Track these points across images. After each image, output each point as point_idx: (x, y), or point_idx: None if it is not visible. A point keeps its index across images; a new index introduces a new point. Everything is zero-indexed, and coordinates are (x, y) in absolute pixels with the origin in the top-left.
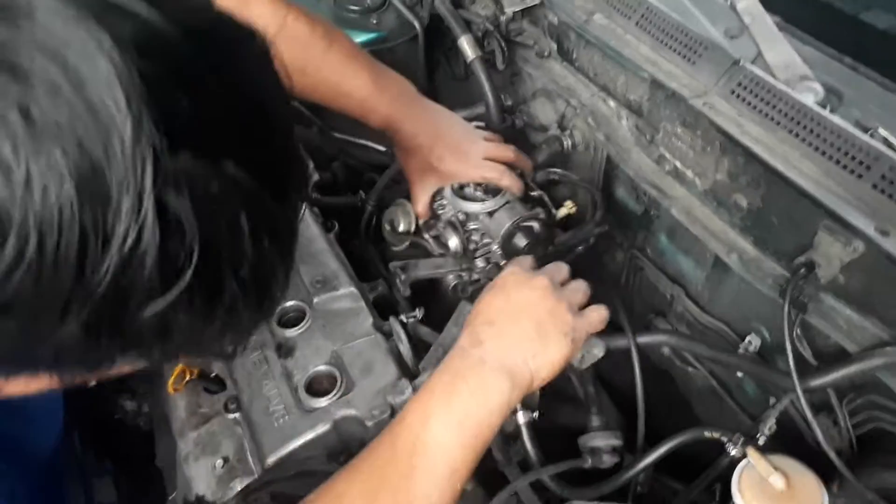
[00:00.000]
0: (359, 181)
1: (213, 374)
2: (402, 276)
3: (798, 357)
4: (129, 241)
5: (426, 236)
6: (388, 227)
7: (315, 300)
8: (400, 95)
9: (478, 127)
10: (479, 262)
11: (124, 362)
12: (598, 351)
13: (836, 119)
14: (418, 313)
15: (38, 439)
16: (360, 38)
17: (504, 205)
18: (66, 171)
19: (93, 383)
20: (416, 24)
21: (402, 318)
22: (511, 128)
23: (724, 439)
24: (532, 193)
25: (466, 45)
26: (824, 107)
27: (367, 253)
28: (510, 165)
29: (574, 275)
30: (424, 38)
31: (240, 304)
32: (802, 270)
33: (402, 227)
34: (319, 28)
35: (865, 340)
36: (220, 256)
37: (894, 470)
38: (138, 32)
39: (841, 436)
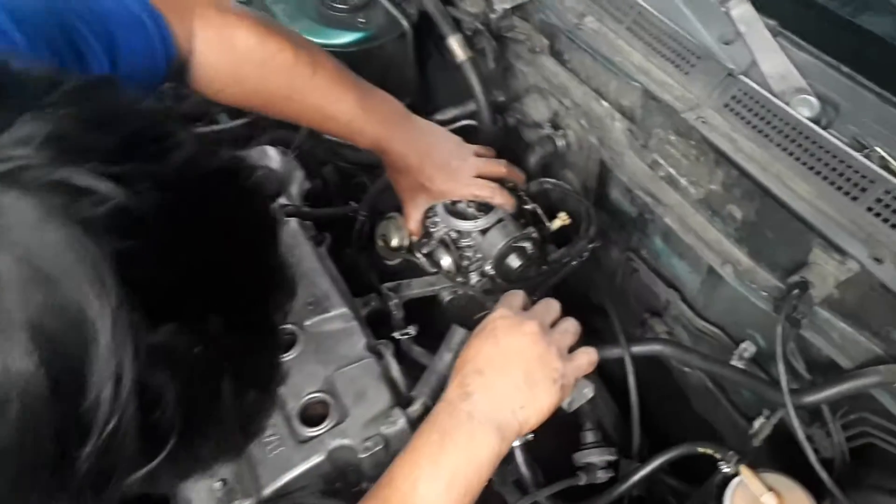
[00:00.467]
0: (350, 185)
1: None
2: (395, 299)
3: (791, 369)
4: (110, 427)
5: (418, 254)
6: (380, 243)
7: (307, 323)
8: (388, 116)
9: (470, 127)
10: (474, 276)
11: None
12: (588, 391)
13: (831, 137)
14: (412, 331)
15: None
16: (347, 37)
17: (497, 223)
18: (39, 371)
19: None
20: (405, 22)
21: (396, 335)
22: (504, 126)
23: (718, 456)
24: (525, 207)
25: (456, 46)
26: (820, 121)
27: (360, 264)
28: (502, 180)
29: (567, 285)
30: (413, 36)
31: (223, 446)
32: (796, 291)
33: (394, 243)
34: (304, 55)
35: (859, 355)
36: (204, 415)
37: (885, 491)
38: (110, 215)
39: (834, 447)
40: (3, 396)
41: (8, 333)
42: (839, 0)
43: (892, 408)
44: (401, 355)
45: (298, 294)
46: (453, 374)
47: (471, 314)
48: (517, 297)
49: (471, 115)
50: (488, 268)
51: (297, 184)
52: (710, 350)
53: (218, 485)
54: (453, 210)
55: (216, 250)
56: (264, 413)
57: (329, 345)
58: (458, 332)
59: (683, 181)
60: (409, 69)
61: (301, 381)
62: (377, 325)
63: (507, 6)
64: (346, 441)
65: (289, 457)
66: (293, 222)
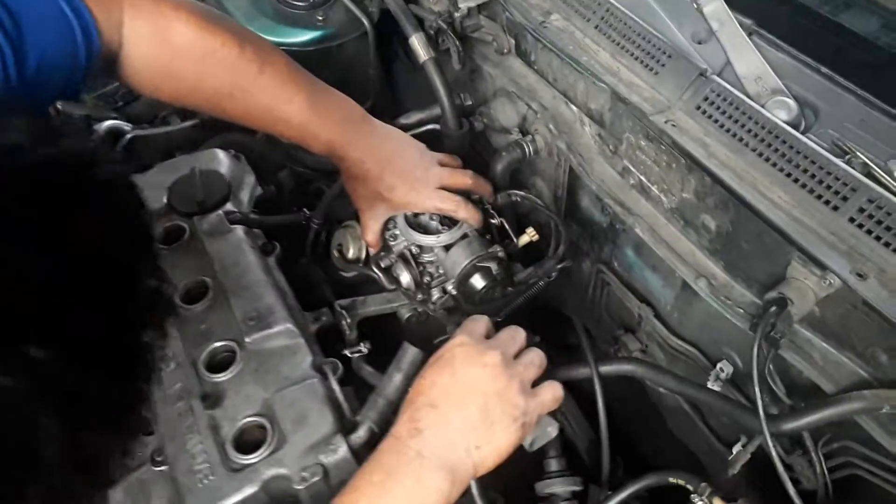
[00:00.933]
0: (308, 191)
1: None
2: (348, 319)
3: (770, 392)
4: None
5: (376, 269)
6: (336, 253)
7: (247, 339)
8: (344, 119)
9: (435, 132)
10: (435, 293)
11: None
12: (552, 430)
13: (810, 142)
14: (364, 348)
15: None
16: (306, 35)
17: (461, 238)
18: None
19: None
20: (365, 21)
21: (347, 352)
22: (470, 131)
23: (690, 487)
24: (492, 221)
25: (418, 46)
26: (798, 125)
27: (314, 275)
28: (467, 192)
29: (539, 298)
30: (375, 35)
31: (56, 495)
32: (774, 308)
33: (351, 254)
34: (250, 51)
35: (843, 379)
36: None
37: None
38: None
39: (816, 478)
40: None
41: None
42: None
43: (877, 436)
44: (351, 375)
45: (240, 307)
46: (404, 406)
47: (431, 334)
48: (480, 323)
49: (436, 120)
50: (450, 287)
51: (248, 189)
52: (686, 370)
53: None
54: (415, 223)
55: (42, 261)
56: (113, 456)
57: (271, 363)
58: (408, 352)
59: (655, 189)
60: (370, 70)
61: (238, 404)
62: (330, 342)
63: (472, 4)
64: (282, 470)
65: (219, 487)
66: (239, 230)
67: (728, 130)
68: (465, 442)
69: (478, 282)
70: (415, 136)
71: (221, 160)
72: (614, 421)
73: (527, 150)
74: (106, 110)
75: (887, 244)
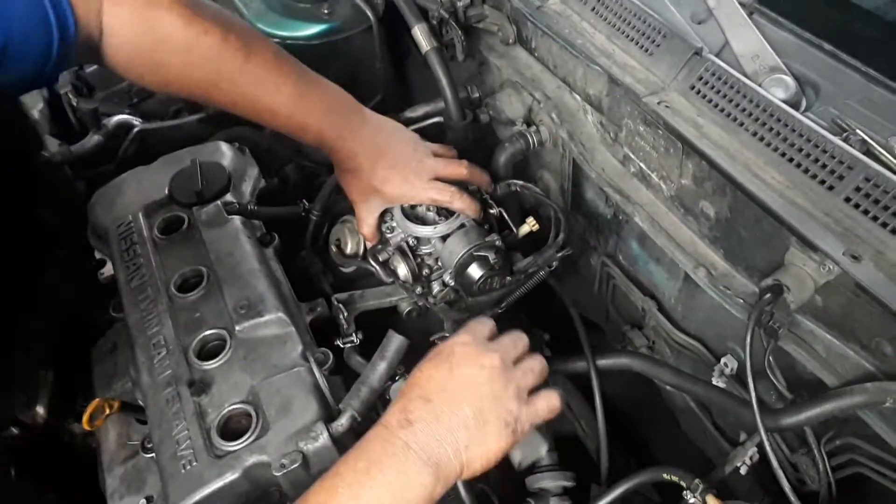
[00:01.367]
0: (313, 185)
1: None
2: (345, 313)
3: (773, 386)
4: None
5: (374, 262)
6: (334, 248)
7: (237, 328)
8: (333, 109)
9: (439, 125)
10: (435, 286)
11: None
12: (543, 449)
13: (806, 120)
14: (356, 339)
15: None
16: (312, 29)
17: (458, 228)
18: None
19: None
20: (370, 14)
21: (339, 342)
22: (475, 122)
23: (683, 484)
24: (491, 211)
25: (420, 36)
26: (797, 104)
27: (312, 267)
28: (464, 183)
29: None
30: (380, 28)
31: None
32: (769, 295)
33: (349, 249)
34: (235, 40)
35: (847, 371)
36: None
37: None
38: None
39: (819, 477)
40: None
41: None
42: None
43: (882, 432)
44: (344, 366)
45: (231, 296)
46: (398, 397)
47: (431, 328)
48: (484, 325)
49: (442, 112)
50: (448, 278)
51: (251, 181)
52: (693, 366)
53: (142, 502)
54: (412, 214)
55: None
56: None
57: (260, 352)
58: (393, 340)
59: (654, 177)
60: (377, 63)
61: (225, 391)
62: (326, 332)
63: None
64: (263, 457)
65: (201, 473)
66: (236, 220)
67: (722, 110)
68: (455, 441)
69: (475, 271)
70: (420, 128)
71: (224, 152)
72: (629, 423)
73: (531, 140)
74: (120, 106)
75: (885, 224)
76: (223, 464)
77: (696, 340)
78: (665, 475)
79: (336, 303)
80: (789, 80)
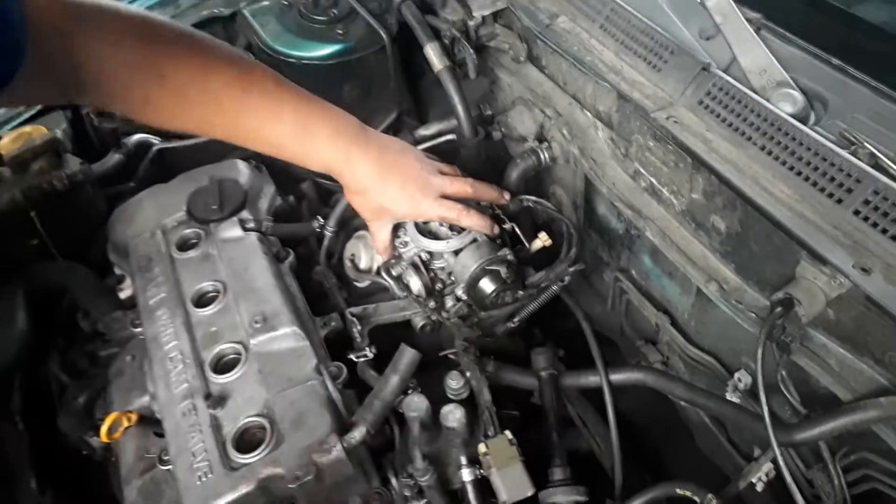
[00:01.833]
0: (329, 202)
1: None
2: (359, 327)
3: (787, 402)
4: None
5: (387, 277)
6: (348, 263)
7: (253, 342)
8: (336, 134)
9: (450, 142)
10: (448, 301)
11: None
12: (528, 491)
13: (813, 134)
14: (369, 353)
15: None
16: (327, 49)
17: (470, 243)
18: None
19: None
20: (384, 34)
21: (353, 356)
22: (488, 139)
23: (696, 499)
24: (504, 226)
25: (433, 55)
26: (805, 118)
27: (327, 282)
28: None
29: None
30: (393, 48)
31: None
32: (779, 309)
33: (363, 264)
34: (230, 72)
35: (860, 386)
36: None
37: None
38: None
39: (835, 493)
40: None
41: None
42: None
43: None
44: (358, 380)
45: (247, 310)
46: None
47: (444, 343)
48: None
49: (454, 130)
50: (461, 292)
51: (267, 199)
52: (707, 382)
53: None
54: (425, 229)
55: None
56: None
57: (275, 365)
58: (405, 354)
59: (665, 191)
60: (391, 82)
61: (240, 404)
62: (340, 346)
63: (486, 12)
64: (277, 470)
65: (216, 485)
66: (252, 237)
67: (730, 125)
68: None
69: (487, 285)
70: (433, 145)
71: (241, 170)
72: (644, 438)
73: (542, 156)
74: (137, 125)
75: (894, 237)
76: (238, 476)
77: (710, 355)
78: (679, 490)
79: (350, 316)
80: (797, 94)
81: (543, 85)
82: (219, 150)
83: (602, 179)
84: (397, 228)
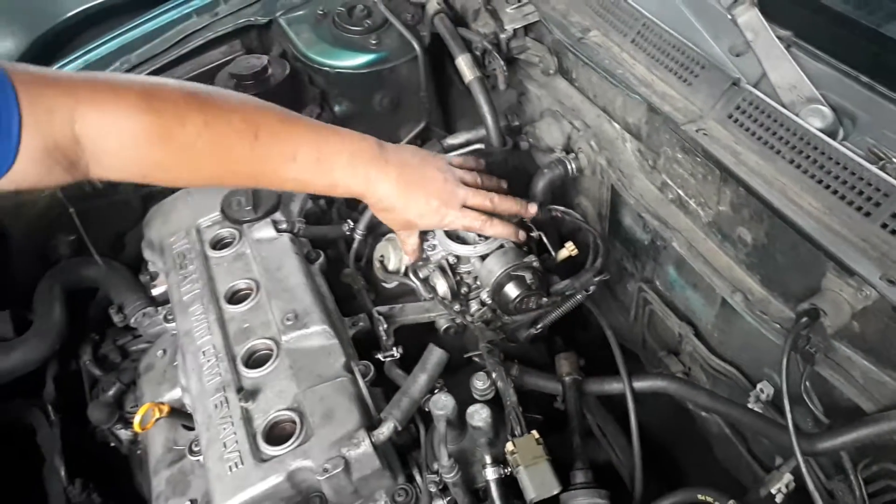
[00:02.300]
0: (357, 206)
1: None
2: (385, 325)
3: (810, 413)
4: None
5: (415, 279)
6: (377, 264)
7: (284, 338)
8: (354, 161)
9: (478, 150)
10: (473, 305)
11: None
12: (555, 489)
13: (842, 148)
14: (396, 353)
15: None
16: (361, 59)
17: (497, 248)
18: None
19: None
20: (416, 44)
21: (380, 356)
22: (515, 149)
23: None
24: (531, 235)
25: (464, 66)
26: (834, 133)
27: (355, 284)
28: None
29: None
30: (425, 58)
31: None
32: (805, 319)
33: (391, 266)
34: (238, 121)
35: (884, 398)
36: None
37: None
38: None
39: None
40: None
41: None
42: (864, 10)
43: None
44: (384, 379)
45: (279, 308)
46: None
47: (468, 346)
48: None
49: (482, 140)
50: (486, 296)
51: (299, 201)
52: (728, 393)
53: None
54: (452, 233)
55: None
56: None
57: (306, 361)
58: (434, 353)
59: (692, 203)
60: (422, 91)
61: (271, 398)
62: (368, 347)
63: (518, 25)
64: (307, 462)
65: (246, 475)
66: (285, 238)
67: (759, 138)
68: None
69: (511, 290)
70: (461, 155)
71: None
72: (662, 450)
73: (569, 167)
74: None
75: None
76: (268, 467)
77: (733, 366)
78: (700, 496)
79: (377, 315)
80: (826, 110)
81: (572, 97)
82: None
83: (629, 190)
84: (425, 232)
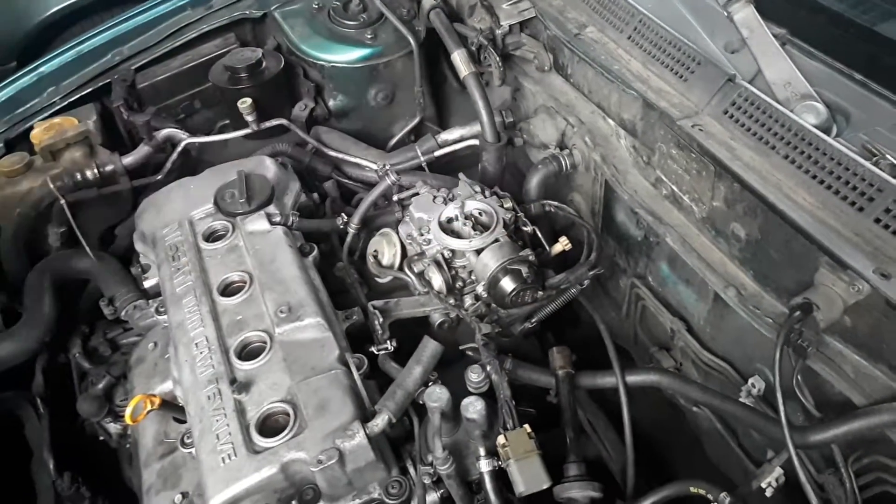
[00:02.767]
0: (350, 201)
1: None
2: (381, 319)
3: (801, 407)
4: None
5: (409, 273)
6: (371, 259)
7: (278, 331)
8: None
9: (471, 147)
10: (467, 299)
11: None
12: (545, 484)
13: (836, 144)
14: (390, 346)
15: None
16: (356, 53)
17: (492, 243)
18: None
19: None
20: (411, 39)
21: (373, 349)
22: (509, 145)
23: (710, 497)
24: (525, 229)
25: (460, 61)
26: (828, 129)
27: (348, 278)
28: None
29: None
30: (420, 53)
31: None
32: (798, 313)
33: (385, 260)
34: None
35: (875, 392)
36: None
37: None
38: None
39: (847, 496)
40: None
41: None
42: (858, 8)
43: None
44: (378, 372)
45: (273, 300)
46: None
47: (460, 339)
48: None
49: (476, 136)
50: (481, 290)
51: (293, 195)
52: (720, 388)
53: (178, 497)
54: (448, 228)
55: None
56: None
57: (299, 354)
58: (428, 345)
59: (686, 199)
60: (416, 87)
61: (264, 390)
62: (360, 340)
63: (514, 21)
64: (300, 454)
65: (240, 467)
66: (279, 230)
67: (755, 134)
68: None
69: (508, 284)
70: (454, 151)
71: (268, 166)
72: (651, 447)
73: (563, 163)
74: (168, 121)
75: None
76: (261, 459)
77: (724, 361)
78: (692, 489)
79: (372, 309)
80: (821, 106)
81: (567, 94)
82: (245, 147)
83: (623, 186)
84: (423, 228)
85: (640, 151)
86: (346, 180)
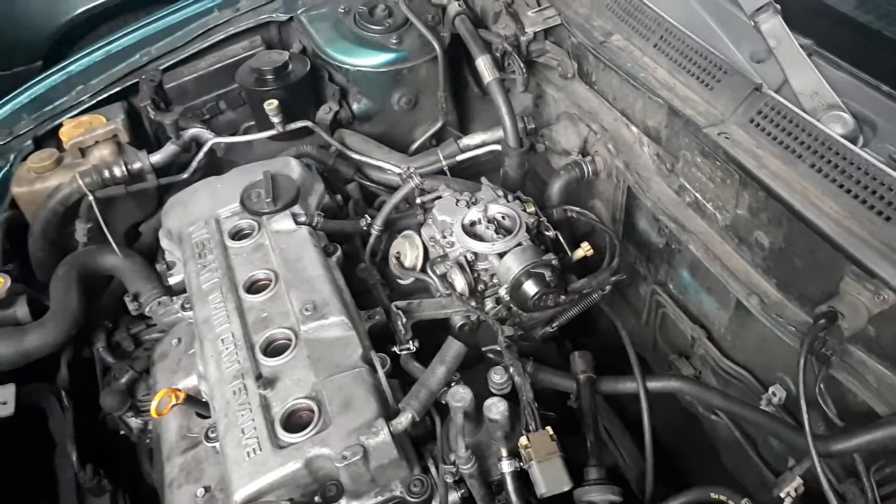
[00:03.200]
0: (373, 203)
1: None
2: (403, 320)
3: (822, 416)
4: None
5: (432, 275)
6: (394, 261)
7: (303, 328)
8: None
9: (493, 152)
10: (489, 302)
11: None
12: (566, 486)
13: (863, 153)
14: (412, 346)
15: None
16: (381, 58)
17: (515, 246)
18: None
19: None
20: (436, 44)
21: (396, 349)
22: (531, 151)
23: (731, 503)
24: (547, 234)
25: (484, 67)
26: (855, 139)
27: (371, 278)
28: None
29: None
30: (444, 58)
31: None
32: (823, 321)
33: (408, 262)
34: None
35: None
36: None
37: None
38: None
39: None
40: None
41: None
42: (885, 20)
43: None
44: (400, 372)
45: (298, 298)
46: None
47: (481, 341)
48: None
49: (498, 142)
50: (503, 293)
51: (317, 196)
52: (739, 395)
53: (200, 491)
54: (471, 231)
55: None
56: None
57: (324, 351)
58: (453, 346)
59: (710, 207)
60: (440, 92)
61: (289, 386)
62: (382, 340)
63: (538, 29)
64: (324, 450)
65: (264, 461)
66: (304, 230)
67: (781, 143)
68: None
69: (530, 287)
70: (476, 157)
71: (293, 167)
72: (669, 456)
73: (586, 170)
74: (194, 121)
75: None
76: (286, 454)
77: (745, 369)
78: (713, 494)
79: (395, 309)
80: (847, 116)
81: (590, 101)
82: (269, 148)
83: (647, 193)
84: (446, 230)
85: (663, 159)
86: (369, 183)
